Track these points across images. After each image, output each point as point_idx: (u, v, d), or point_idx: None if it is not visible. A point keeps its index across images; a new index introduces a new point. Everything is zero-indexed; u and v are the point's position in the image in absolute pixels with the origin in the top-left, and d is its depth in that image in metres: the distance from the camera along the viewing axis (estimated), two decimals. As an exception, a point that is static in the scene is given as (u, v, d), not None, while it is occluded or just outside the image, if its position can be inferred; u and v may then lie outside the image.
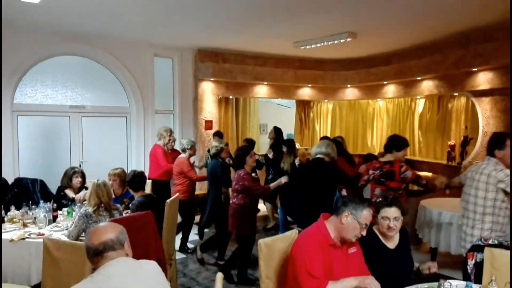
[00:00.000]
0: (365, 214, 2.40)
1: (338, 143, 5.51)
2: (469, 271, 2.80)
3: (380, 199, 2.75)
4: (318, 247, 2.36)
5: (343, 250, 2.45)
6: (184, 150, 5.35)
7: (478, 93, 6.33)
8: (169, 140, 5.96)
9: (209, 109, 7.76)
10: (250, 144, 6.41)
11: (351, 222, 2.37)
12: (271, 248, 2.68)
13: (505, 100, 5.95)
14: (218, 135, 6.72)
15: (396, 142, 4.01)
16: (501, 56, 5.43)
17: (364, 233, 2.41)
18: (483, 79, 5.98)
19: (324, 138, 6.50)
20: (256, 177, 4.84)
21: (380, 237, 2.69)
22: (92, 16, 5.25)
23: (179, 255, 5.13)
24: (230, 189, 4.99)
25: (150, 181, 5.72)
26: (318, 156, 4.31)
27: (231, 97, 8.77)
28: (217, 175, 5.05)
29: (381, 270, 2.50)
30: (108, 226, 1.91)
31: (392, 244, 2.69)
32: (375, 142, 9.52)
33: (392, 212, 2.61)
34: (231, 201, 4.55)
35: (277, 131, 6.78)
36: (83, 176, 4.64)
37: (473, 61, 5.83)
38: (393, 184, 3.82)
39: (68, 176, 4.56)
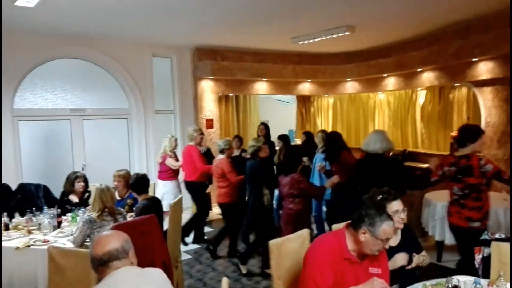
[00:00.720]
0: (384, 228, 2.15)
1: (338, 136, 5.49)
2: (477, 265, 2.79)
3: (380, 196, 2.64)
4: (329, 258, 2.19)
5: (362, 267, 2.25)
6: (222, 151, 5.18)
7: (479, 83, 6.28)
8: (201, 139, 5.96)
9: (209, 107, 7.73)
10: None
11: (369, 239, 2.15)
12: (282, 249, 2.66)
13: (507, 89, 5.90)
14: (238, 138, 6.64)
15: (468, 133, 3.54)
16: (501, 45, 5.37)
17: (387, 246, 2.21)
18: (484, 69, 5.93)
19: (322, 131, 6.49)
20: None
21: None
22: (88, 18, 5.22)
23: (185, 256, 5.14)
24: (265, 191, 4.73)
25: (183, 183, 5.95)
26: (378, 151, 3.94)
27: (231, 94, 8.74)
28: (258, 176, 4.69)
29: None
30: (112, 235, 1.90)
31: (393, 241, 2.56)
32: (377, 135, 9.47)
33: (399, 204, 2.59)
34: (284, 208, 4.22)
35: (265, 127, 6.83)
36: (85, 180, 4.64)
37: (473, 51, 5.78)
38: (472, 180, 3.36)
39: (70, 181, 4.55)
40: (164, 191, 5.84)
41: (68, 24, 5.49)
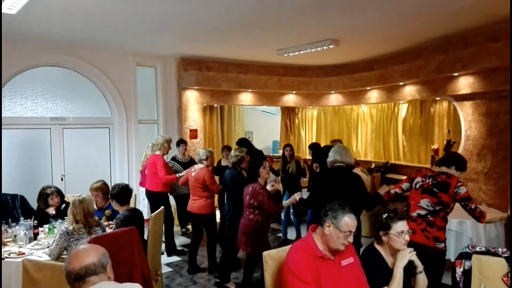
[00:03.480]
0: (346, 220, 2.31)
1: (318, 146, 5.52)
2: (458, 278, 2.80)
3: (386, 214, 2.54)
4: (305, 261, 2.30)
5: (335, 263, 2.37)
6: (200, 161, 5.02)
7: (459, 98, 6.42)
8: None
9: (194, 118, 7.69)
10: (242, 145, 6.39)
11: (333, 231, 2.31)
12: (276, 260, 2.61)
13: (486, 104, 6.04)
14: (244, 143, 6.42)
15: (459, 161, 3.46)
16: (481, 61, 5.51)
17: (350, 239, 2.32)
18: (464, 84, 6.06)
19: (314, 144, 6.54)
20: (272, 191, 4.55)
21: (384, 255, 2.54)
22: (71, 27, 5.15)
23: (165, 269, 5.04)
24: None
25: (143, 193, 5.93)
26: (339, 164, 3.71)
27: (215, 105, 8.72)
28: (239, 186, 4.46)
29: None
30: (89, 249, 1.84)
31: (391, 263, 2.51)
32: (360, 148, 9.57)
33: (405, 225, 2.49)
34: (244, 217, 4.16)
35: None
36: (58, 193, 4.48)
37: (454, 66, 5.91)
38: (445, 198, 3.27)
39: (43, 200, 4.39)
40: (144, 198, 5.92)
41: (50, 32, 5.40)
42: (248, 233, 4.04)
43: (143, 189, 6.06)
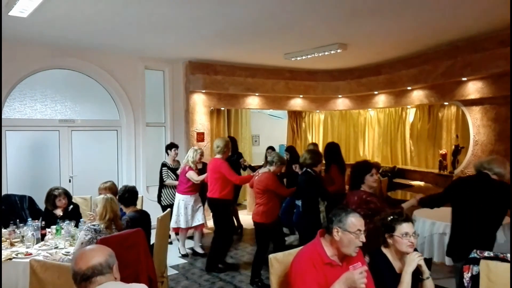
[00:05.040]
0: (352, 220, 2.29)
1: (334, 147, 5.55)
2: (466, 284, 2.76)
3: (391, 217, 2.53)
4: (311, 268, 2.27)
5: (343, 268, 2.32)
6: (271, 163, 4.63)
7: (468, 102, 6.38)
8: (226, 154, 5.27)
9: (201, 121, 7.72)
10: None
11: (342, 235, 2.28)
12: (283, 264, 2.60)
13: (495, 109, 6.00)
14: (290, 150, 6.44)
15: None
16: (489, 66, 5.48)
17: (363, 239, 2.29)
18: (473, 89, 6.03)
19: (291, 147, 6.81)
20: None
21: (391, 259, 2.51)
22: (81, 30, 5.21)
23: (171, 271, 5.04)
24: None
25: (182, 201, 5.54)
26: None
27: (222, 108, 8.75)
28: (316, 191, 4.27)
29: None
30: (96, 249, 1.85)
31: (399, 268, 2.49)
32: (367, 152, 9.54)
33: (410, 226, 2.48)
34: None
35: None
36: (66, 194, 4.50)
37: (462, 71, 5.88)
38: None
39: (50, 201, 4.41)
40: (181, 205, 5.54)
41: (61, 36, 5.47)
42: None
43: (180, 197, 5.60)
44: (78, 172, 6.50)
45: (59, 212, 4.42)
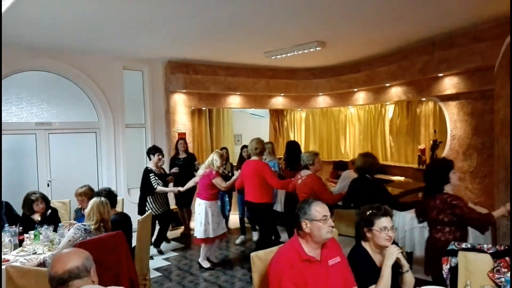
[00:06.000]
0: (316, 209, 2.33)
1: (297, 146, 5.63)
2: (444, 275, 2.82)
3: (370, 211, 2.57)
4: (288, 267, 2.26)
5: (322, 264, 2.35)
6: (306, 166, 4.47)
7: (444, 98, 6.49)
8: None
9: (182, 121, 7.66)
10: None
11: (311, 225, 2.31)
12: (264, 261, 2.59)
13: (471, 103, 6.12)
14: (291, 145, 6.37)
15: None
16: (465, 61, 5.59)
17: (331, 223, 2.34)
18: (449, 84, 6.14)
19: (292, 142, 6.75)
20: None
21: (371, 253, 2.55)
22: (57, 30, 5.10)
23: (154, 273, 4.99)
24: None
25: (202, 206, 5.04)
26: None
27: (204, 108, 8.70)
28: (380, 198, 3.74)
29: None
30: (73, 253, 1.81)
31: (379, 261, 2.52)
32: (348, 149, 9.62)
33: (388, 221, 2.52)
34: (430, 236, 3.27)
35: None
36: (44, 198, 4.40)
37: (439, 67, 5.98)
38: None
39: (28, 206, 4.32)
40: (208, 213, 5.02)
41: (35, 36, 5.34)
42: (436, 255, 3.05)
43: (206, 203, 5.10)
44: (57, 176, 6.36)
45: (37, 217, 4.33)
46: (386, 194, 3.83)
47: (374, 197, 3.60)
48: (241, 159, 6.86)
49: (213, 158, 5.09)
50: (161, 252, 5.85)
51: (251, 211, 5.11)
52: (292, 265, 2.27)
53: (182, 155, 6.86)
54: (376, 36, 5.82)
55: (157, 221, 5.79)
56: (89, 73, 6.58)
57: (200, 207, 5.09)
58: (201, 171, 5.19)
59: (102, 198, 3.54)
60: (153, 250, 5.66)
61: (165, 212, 5.78)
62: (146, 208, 5.56)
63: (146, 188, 5.58)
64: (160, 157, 5.74)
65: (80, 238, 3.27)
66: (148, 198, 5.61)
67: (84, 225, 3.40)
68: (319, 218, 2.31)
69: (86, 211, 3.53)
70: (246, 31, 5.35)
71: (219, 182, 5.03)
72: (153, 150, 5.76)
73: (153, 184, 5.51)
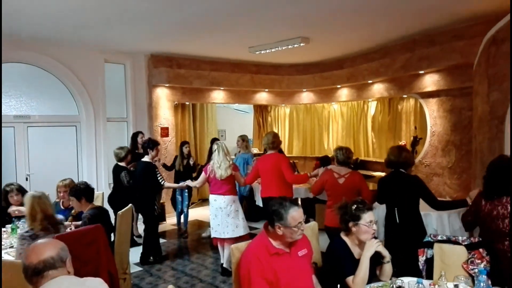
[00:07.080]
0: (293, 215, 2.29)
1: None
2: (421, 267, 2.88)
3: (355, 206, 2.57)
4: (256, 262, 2.29)
5: (291, 256, 2.38)
6: (345, 162, 4.14)
7: (425, 95, 6.61)
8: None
9: (165, 115, 7.60)
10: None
11: (285, 230, 2.31)
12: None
13: (451, 100, 6.25)
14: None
15: None
16: (445, 59, 5.70)
17: (304, 227, 2.34)
18: (430, 81, 6.25)
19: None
20: None
21: (350, 246, 2.57)
22: (36, 22, 4.99)
23: (135, 268, 4.96)
24: None
25: (219, 202, 4.58)
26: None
27: (187, 103, 8.65)
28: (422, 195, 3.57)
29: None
30: (48, 243, 1.79)
31: (358, 253, 2.55)
32: (331, 145, 9.70)
33: (372, 215, 2.55)
34: (500, 249, 2.72)
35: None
36: (20, 190, 4.29)
37: (420, 64, 6.08)
38: None
39: (2, 197, 4.20)
40: (231, 209, 4.60)
41: (14, 28, 5.20)
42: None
43: (215, 197, 4.67)
44: (36, 170, 6.24)
45: (14, 209, 4.23)
46: (427, 192, 3.49)
47: (415, 194, 3.46)
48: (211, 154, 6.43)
49: (225, 148, 4.63)
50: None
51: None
52: (260, 260, 2.29)
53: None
54: (358, 33, 5.88)
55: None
56: (69, 65, 6.46)
57: (235, 203, 4.67)
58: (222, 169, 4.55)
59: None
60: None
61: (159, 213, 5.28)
62: (156, 207, 5.11)
63: (150, 186, 5.00)
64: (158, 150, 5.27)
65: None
66: (156, 196, 5.14)
67: (27, 231, 3.07)
68: (294, 225, 2.29)
69: (26, 211, 3.18)
70: (230, 25, 5.33)
71: (238, 178, 4.76)
72: (152, 144, 5.12)
73: (160, 181, 4.99)
